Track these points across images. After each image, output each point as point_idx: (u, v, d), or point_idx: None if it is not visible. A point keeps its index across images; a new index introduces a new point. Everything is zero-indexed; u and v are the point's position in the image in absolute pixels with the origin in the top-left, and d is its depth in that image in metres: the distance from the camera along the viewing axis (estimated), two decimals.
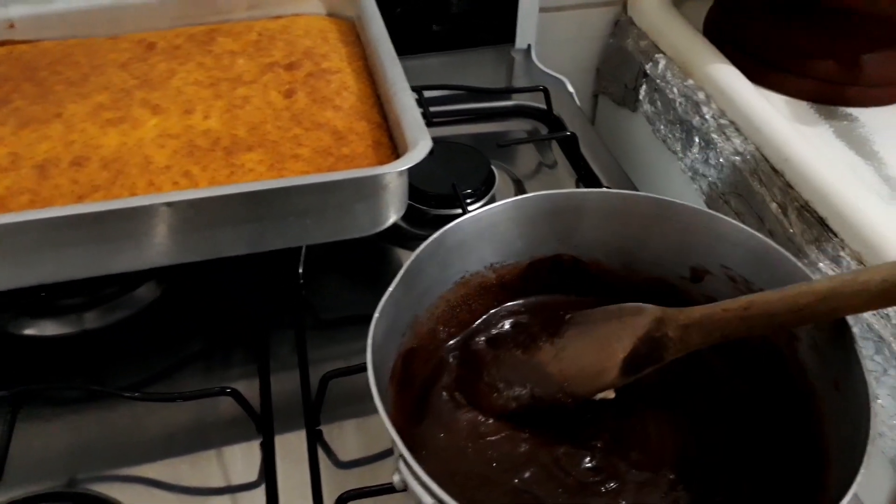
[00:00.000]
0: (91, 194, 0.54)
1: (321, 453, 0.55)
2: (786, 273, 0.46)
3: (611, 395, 0.46)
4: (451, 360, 0.51)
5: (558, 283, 0.54)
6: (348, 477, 0.53)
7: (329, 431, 0.56)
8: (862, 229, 0.64)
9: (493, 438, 0.47)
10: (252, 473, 0.54)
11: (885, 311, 0.61)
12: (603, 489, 0.45)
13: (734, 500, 0.45)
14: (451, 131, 0.85)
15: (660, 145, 0.89)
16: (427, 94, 0.83)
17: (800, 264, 0.45)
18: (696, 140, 0.82)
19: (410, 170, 0.54)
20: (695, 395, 0.50)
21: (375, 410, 0.38)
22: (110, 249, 0.52)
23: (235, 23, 0.72)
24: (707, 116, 0.80)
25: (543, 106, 0.86)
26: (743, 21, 0.86)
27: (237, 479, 0.53)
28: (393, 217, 0.57)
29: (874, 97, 0.81)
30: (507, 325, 0.53)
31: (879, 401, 0.62)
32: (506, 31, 0.95)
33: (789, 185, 0.71)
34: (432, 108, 0.82)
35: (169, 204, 0.51)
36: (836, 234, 0.66)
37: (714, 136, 0.79)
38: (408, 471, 0.36)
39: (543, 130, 0.86)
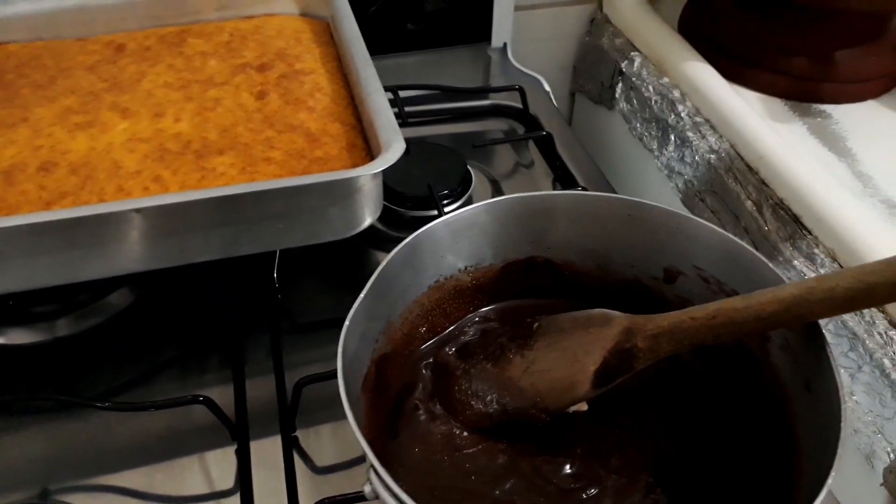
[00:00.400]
0: (59, 201, 0.53)
1: (297, 459, 0.54)
2: (758, 274, 0.46)
3: (584, 407, 0.46)
4: (423, 369, 0.51)
5: (533, 285, 0.54)
6: (325, 483, 0.53)
7: (305, 437, 0.56)
8: (836, 226, 0.64)
9: (470, 451, 0.47)
10: (228, 481, 0.53)
11: None
12: (584, 495, 0.45)
13: (710, 499, 0.45)
14: (427, 131, 0.85)
15: (636, 143, 0.89)
16: (402, 93, 0.83)
17: (771, 265, 0.46)
18: (672, 138, 0.82)
19: (385, 171, 0.54)
20: (669, 397, 0.50)
21: None
22: (80, 257, 0.51)
23: (206, 23, 0.72)
24: (682, 114, 0.81)
25: (520, 105, 0.86)
26: (717, 19, 0.87)
27: (212, 487, 0.53)
28: (368, 220, 0.57)
29: (848, 93, 0.81)
30: (476, 332, 0.53)
31: (855, 397, 0.62)
32: (481, 30, 0.95)
33: (764, 183, 0.71)
34: (408, 108, 0.82)
35: (139, 210, 0.50)
36: (810, 232, 0.66)
37: (689, 133, 0.80)
38: (378, 481, 0.35)
39: (520, 130, 0.86)
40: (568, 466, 0.46)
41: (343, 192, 0.54)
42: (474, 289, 0.53)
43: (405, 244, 0.47)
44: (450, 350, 0.51)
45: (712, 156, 0.77)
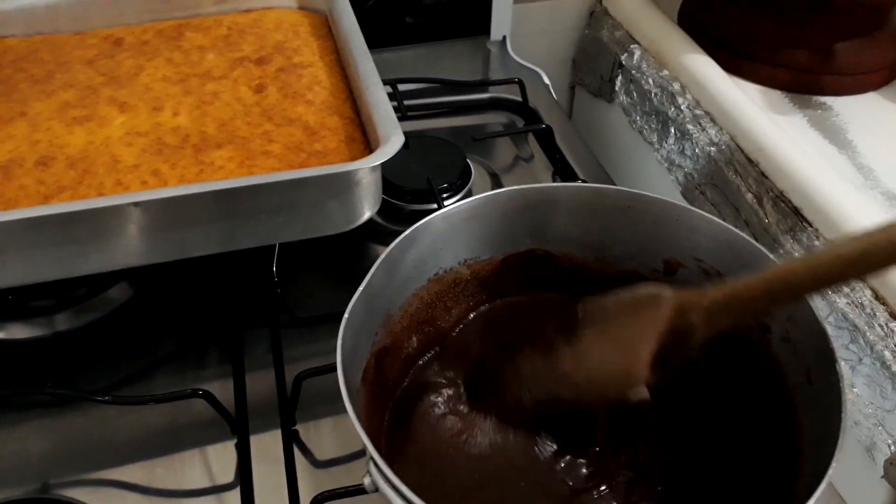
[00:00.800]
0: (57, 195, 0.53)
1: (297, 453, 0.54)
2: (759, 265, 0.46)
3: (645, 395, 0.43)
4: (437, 363, 0.50)
5: (532, 278, 0.54)
6: (325, 477, 0.53)
7: (305, 431, 0.56)
8: (836, 218, 0.64)
9: (478, 449, 0.47)
10: (228, 474, 0.53)
11: (860, 301, 0.61)
12: (595, 494, 0.45)
13: (713, 491, 0.45)
14: (426, 125, 0.84)
15: (636, 136, 0.89)
16: (402, 87, 0.82)
17: (772, 256, 0.45)
18: (672, 131, 0.82)
19: (385, 165, 0.53)
20: (671, 388, 0.50)
21: None
22: (78, 251, 0.51)
23: (205, 17, 0.71)
24: (682, 107, 0.81)
25: (519, 98, 0.86)
26: (717, 11, 0.87)
27: (213, 481, 0.53)
28: (367, 213, 0.57)
29: (848, 85, 0.81)
30: (506, 327, 0.52)
31: (855, 389, 0.62)
32: (481, 23, 0.94)
33: (764, 175, 0.71)
34: (407, 102, 0.82)
35: (137, 204, 0.50)
36: (810, 224, 0.66)
37: (689, 126, 0.79)
38: (378, 473, 0.35)
39: (519, 123, 0.86)
40: (579, 462, 0.46)
41: (342, 185, 0.54)
42: (474, 282, 0.53)
43: (404, 237, 0.47)
44: (490, 346, 0.51)
45: (712, 148, 0.77)
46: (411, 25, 0.92)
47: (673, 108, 0.82)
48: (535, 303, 0.54)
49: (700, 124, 0.78)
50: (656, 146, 0.85)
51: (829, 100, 0.80)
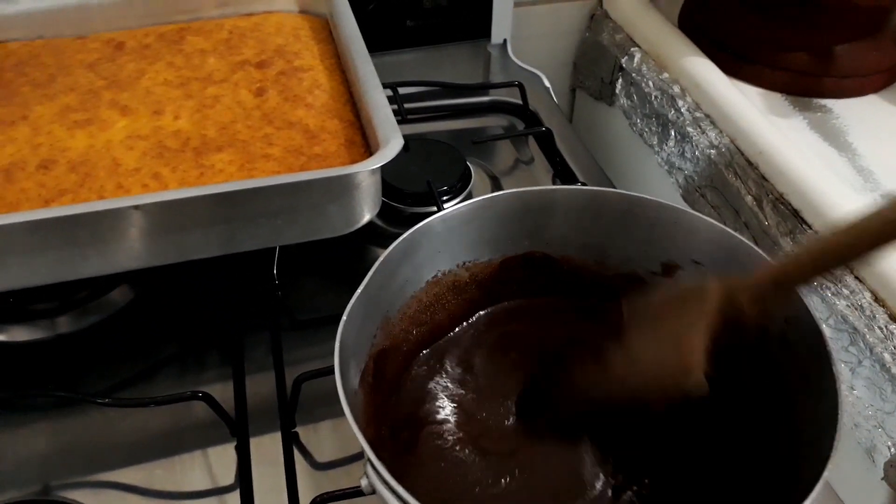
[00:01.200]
0: (58, 198, 0.54)
1: (297, 455, 0.54)
2: (756, 268, 0.46)
3: (705, 388, 0.42)
4: (436, 365, 0.51)
5: (531, 281, 0.54)
6: (325, 479, 0.53)
7: (305, 433, 0.56)
8: (836, 221, 0.63)
9: (474, 449, 0.47)
10: (228, 477, 0.53)
11: (859, 303, 0.61)
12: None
13: (710, 491, 0.45)
14: (426, 128, 0.84)
15: (636, 139, 0.89)
16: (402, 90, 0.83)
17: (769, 259, 0.46)
18: (672, 133, 0.82)
19: (385, 168, 0.53)
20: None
21: None
22: (79, 254, 0.51)
23: (206, 21, 0.72)
24: (682, 110, 0.81)
25: (519, 101, 0.86)
26: (717, 14, 0.87)
27: (213, 483, 0.53)
28: (367, 216, 0.57)
29: (848, 88, 0.81)
30: (513, 329, 0.53)
31: (855, 392, 0.62)
32: (481, 26, 0.95)
33: (764, 178, 0.71)
34: (407, 105, 0.82)
35: (138, 207, 0.50)
36: (810, 227, 0.66)
37: (689, 129, 0.79)
38: (375, 475, 0.35)
39: (520, 126, 0.86)
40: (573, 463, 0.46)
41: (341, 188, 0.54)
42: (472, 284, 0.53)
43: (402, 239, 0.47)
44: (469, 384, 0.51)
45: (712, 151, 0.77)
46: (412, 29, 0.93)
47: (673, 111, 0.82)
48: (540, 306, 0.54)
49: (700, 127, 0.79)
50: (656, 149, 0.85)
51: (829, 102, 0.80)
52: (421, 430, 0.48)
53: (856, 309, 0.61)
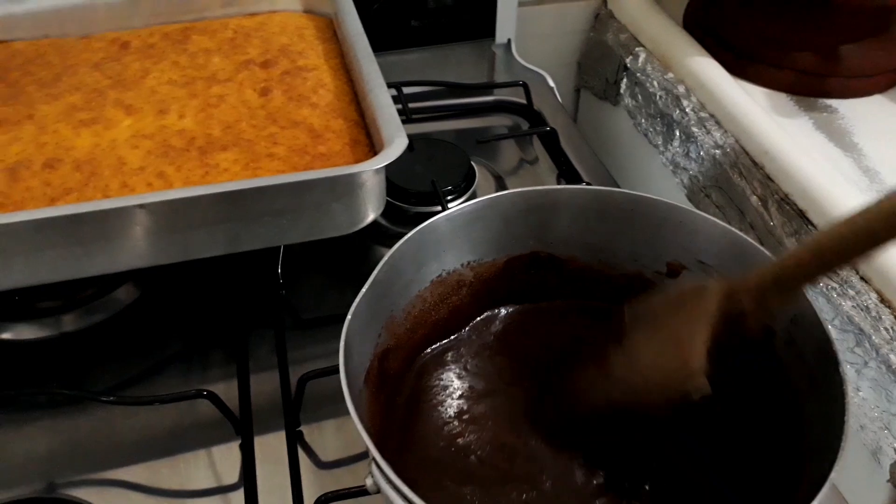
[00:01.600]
0: (63, 197, 0.54)
1: (301, 454, 0.54)
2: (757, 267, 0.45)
3: (707, 390, 0.42)
4: (441, 364, 0.51)
5: (536, 281, 0.54)
6: (329, 478, 0.53)
7: (310, 432, 0.56)
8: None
9: (479, 449, 0.47)
10: (232, 475, 0.53)
11: (865, 304, 0.61)
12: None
13: (716, 493, 0.45)
14: (431, 127, 0.85)
15: (641, 139, 0.89)
16: (406, 90, 0.83)
17: (774, 259, 0.45)
18: (677, 133, 0.82)
19: (389, 167, 0.53)
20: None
21: None
22: (84, 252, 0.52)
23: (211, 20, 0.72)
24: (687, 110, 0.80)
25: (524, 101, 0.86)
26: (722, 13, 0.86)
27: (217, 482, 0.53)
28: (371, 215, 0.57)
29: (853, 88, 0.81)
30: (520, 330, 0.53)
31: (861, 393, 0.62)
32: (485, 26, 0.95)
33: (769, 178, 0.71)
34: (412, 104, 0.82)
35: (143, 206, 0.50)
36: (815, 227, 0.66)
37: (694, 129, 0.79)
38: (380, 474, 0.35)
39: (524, 126, 0.86)
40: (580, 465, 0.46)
41: (346, 187, 0.54)
42: (477, 284, 0.53)
43: (407, 239, 0.47)
44: (474, 384, 0.51)
45: (717, 151, 0.77)
46: (416, 28, 0.93)
47: (678, 111, 0.82)
48: (545, 308, 0.54)
49: (705, 127, 0.78)
50: (661, 149, 0.85)
51: (834, 102, 0.80)
52: (424, 430, 0.48)
53: (861, 310, 0.61)
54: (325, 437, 0.55)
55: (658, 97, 0.85)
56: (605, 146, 0.98)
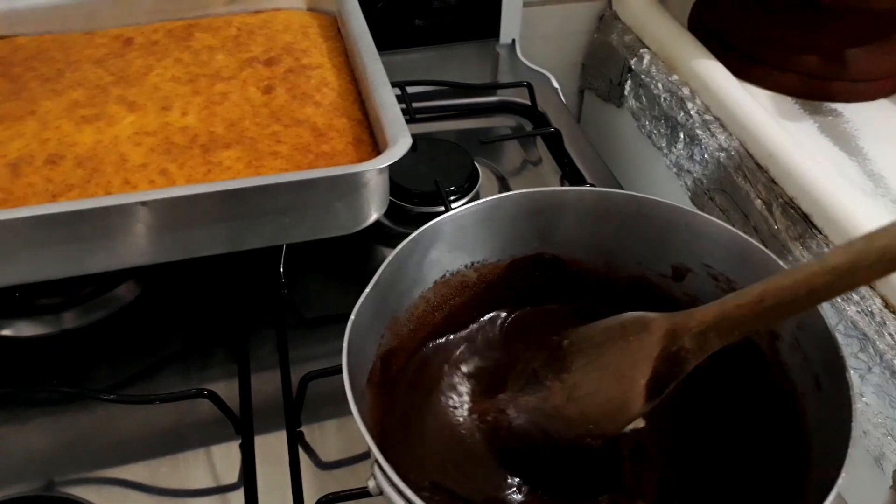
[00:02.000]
0: (65, 193, 0.53)
1: (302, 454, 0.54)
2: (768, 271, 0.45)
3: (640, 423, 0.42)
4: (444, 365, 0.50)
5: (540, 283, 0.54)
6: (329, 478, 0.53)
7: (310, 432, 0.55)
8: (846, 226, 0.63)
9: (482, 452, 0.47)
10: (232, 475, 0.53)
11: (870, 309, 0.61)
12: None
13: (719, 499, 0.45)
14: (434, 127, 0.84)
15: (645, 141, 0.89)
16: (410, 89, 0.82)
17: (781, 262, 0.45)
18: (681, 136, 0.82)
19: (392, 167, 0.53)
20: (678, 395, 0.49)
21: None
22: (85, 249, 0.51)
23: (214, 18, 0.71)
24: (692, 112, 0.80)
25: (528, 102, 0.86)
26: (727, 16, 0.86)
27: (217, 481, 0.53)
28: (374, 215, 0.57)
29: (859, 92, 0.80)
30: (491, 353, 0.52)
31: (864, 399, 0.62)
32: (490, 26, 0.94)
33: (773, 181, 0.71)
34: (415, 104, 0.82)
35: (145, 203, 0.50)
36: (820, 231, 0.66)
37: (699, 131, 0.79)
38: (382, 476, 0.35)
39: (528, 126, 0.86)
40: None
41: (349, 186, 0.54)
42: (481, 285, 0.53)
43: (410, 239, 0.47)
44: (476, 386, 0.50)
45: (722, 154, 0.76)
46: (420, 28, 0.92)
47: (682, 113, 0.81)
48: (549, 311, 0.54)
49: (709, 129, 0.78)
50: (665, 151, 0.85)
51: (839, 106, 0.80)
52: (427, 432, 0.48)
53: (866, 315, 0.61)
54: (326, 438, 0.55)
55: (662, 99, 0.84)
56: (609, 148, 0.98)
